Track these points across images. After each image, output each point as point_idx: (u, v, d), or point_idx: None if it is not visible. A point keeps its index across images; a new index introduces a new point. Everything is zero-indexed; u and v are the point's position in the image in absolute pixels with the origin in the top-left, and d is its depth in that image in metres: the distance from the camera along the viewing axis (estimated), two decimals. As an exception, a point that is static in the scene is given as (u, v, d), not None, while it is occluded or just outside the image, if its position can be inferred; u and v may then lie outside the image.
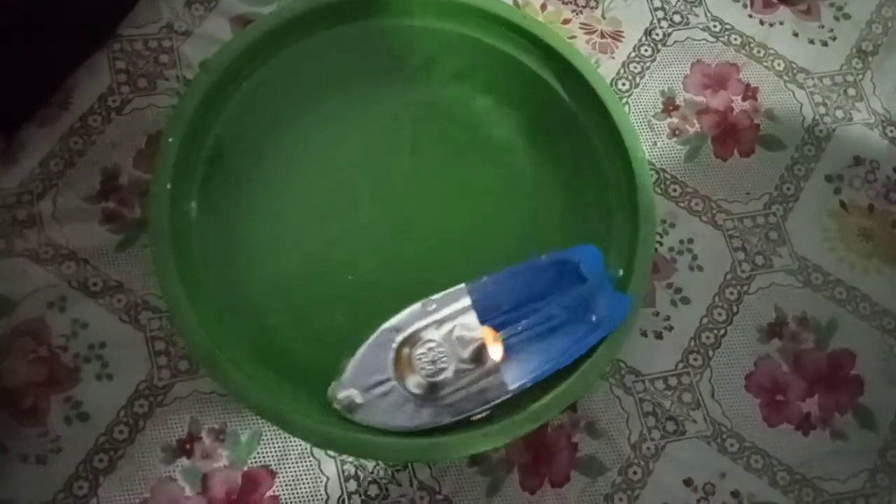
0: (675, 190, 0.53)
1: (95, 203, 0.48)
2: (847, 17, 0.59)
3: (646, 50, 0.57)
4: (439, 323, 0.42)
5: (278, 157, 0.48)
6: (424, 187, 0.50)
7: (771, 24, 0.58)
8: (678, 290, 0.51)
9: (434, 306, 0.42)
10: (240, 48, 0.46)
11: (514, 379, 0.41)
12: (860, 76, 0.58)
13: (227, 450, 0.44)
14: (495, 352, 0.42)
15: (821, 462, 0.48)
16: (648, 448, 0.47)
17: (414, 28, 0.50)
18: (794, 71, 0.57)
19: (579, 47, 0.54)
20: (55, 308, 0.45)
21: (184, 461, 0.44)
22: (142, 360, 0.45)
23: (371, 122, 0.51)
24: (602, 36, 0.56)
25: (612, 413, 0.48)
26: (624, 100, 0.55)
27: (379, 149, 0.51)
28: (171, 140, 0.42)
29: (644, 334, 0.50)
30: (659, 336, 0.50)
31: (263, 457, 0.44)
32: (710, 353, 0.50)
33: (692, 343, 0.50)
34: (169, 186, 0.41)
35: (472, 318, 0.42)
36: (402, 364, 0.41)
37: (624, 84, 0.55)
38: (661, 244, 0.52)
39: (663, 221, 0.52)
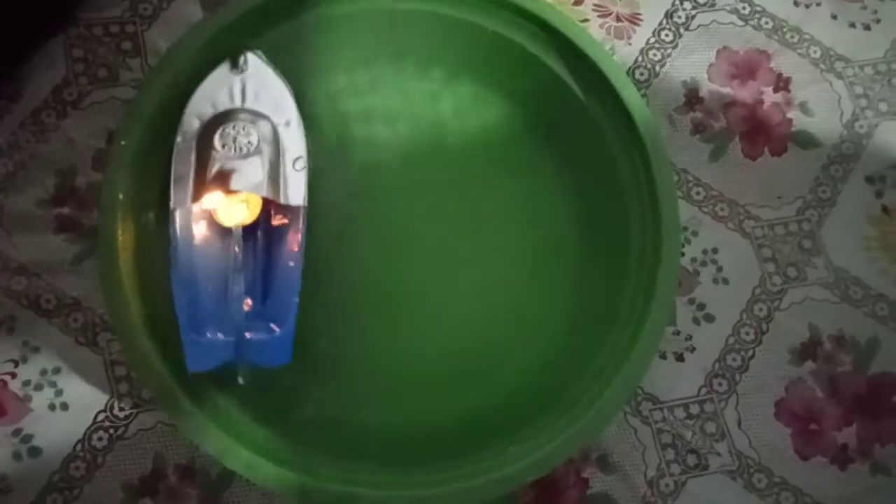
0: (698, 193, 0.48)
1: (49, 209, 0.43)
2: (892, -3, 0.54)
3: (666, 35, 0.52)
4: (268, 159, 0.38)
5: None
6: (418, 190, 0.45)
7: (807, 6, 0.53)
8: (701, 307, 0.46)
9: (297, 166, 0.39)
10: (210, 32, 0.42)
11: (183, 224, 0.37)
12: (906, 64, 0.53)
13: (196, 489, 0.40)
14: (229, 211, 0.38)
15: (860, 499, 0.44)
16: (667, 485, 0.43)
17: (407, 12, 0.45)
18: (833, 58, 0.52)
19: (592, 32, 0.50)
20: (3, 329, 0.42)
21: (147, 502, 0.40)
22: (100, 387, 0.41)
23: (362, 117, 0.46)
24: (618, 19, 0.51)
25: (626, 445, 0.44)
26: (642, 91, 0.50)
27: (368, 146, 0.46)
28: (124, 143, 0.37)
29: (663, 356, 0.45)
30: (680, 358, 0.45)
31: (236, 496, 0.40)
32: (737, 377, 0.46)
33: (716, 366, 0.46)
34: (121, 197, 0.36)
35: (263, 190, 0.38)
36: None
37: (642, 73, 0.50)
38: (682, 254, 0.47)
39: (685, 229, 0.48)
